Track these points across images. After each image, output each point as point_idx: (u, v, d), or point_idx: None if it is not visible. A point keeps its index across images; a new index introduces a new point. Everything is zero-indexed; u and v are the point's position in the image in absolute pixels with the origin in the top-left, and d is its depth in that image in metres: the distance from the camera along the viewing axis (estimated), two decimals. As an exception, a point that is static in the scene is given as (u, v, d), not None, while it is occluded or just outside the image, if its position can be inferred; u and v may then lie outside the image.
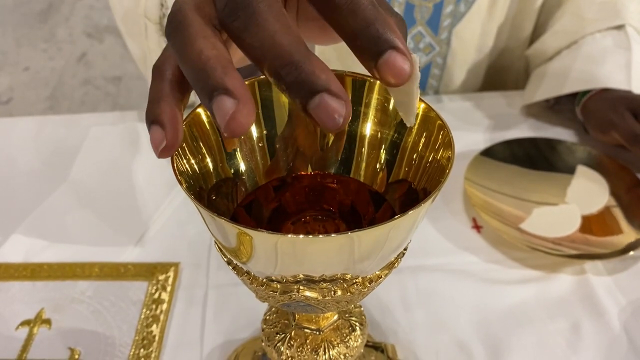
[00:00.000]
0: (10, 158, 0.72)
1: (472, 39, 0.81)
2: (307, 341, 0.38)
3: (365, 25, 0.23)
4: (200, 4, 0.25)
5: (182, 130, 0.25)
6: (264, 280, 0.29)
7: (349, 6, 0.23)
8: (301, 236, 0.24)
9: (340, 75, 0.33)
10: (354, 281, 0.29)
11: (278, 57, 0.22)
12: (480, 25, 0.79)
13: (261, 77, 0.32)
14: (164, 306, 0.53)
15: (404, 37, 0.26)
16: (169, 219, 0.63)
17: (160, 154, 0.25)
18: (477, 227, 0.62)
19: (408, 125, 0.27)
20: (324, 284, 0.28)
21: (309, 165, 0.35)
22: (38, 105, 2.05)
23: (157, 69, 0.26)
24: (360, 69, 0.33)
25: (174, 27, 0.24)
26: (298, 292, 0.28)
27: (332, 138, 0.35)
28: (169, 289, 0.55)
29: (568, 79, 0.72)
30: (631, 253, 0.56)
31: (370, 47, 0.23)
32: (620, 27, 0.73)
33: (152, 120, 0.25)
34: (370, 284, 0.29)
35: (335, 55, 0.80)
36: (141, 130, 0.74)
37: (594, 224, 0.61)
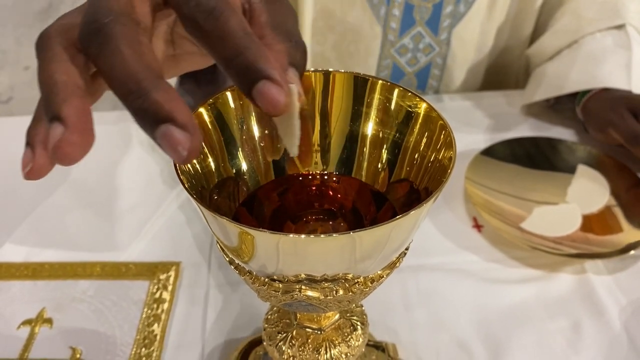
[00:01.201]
0: (10, 157, 0.72)
1: (472, 39, 0.81)
2: (309, 340, 0.38)
3: (235, 54, 0.22)
4: (69, 27, 0.24)
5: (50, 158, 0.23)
6: (266, 280, 0.29)
7: (217, 34, 0.22)
8: (303, 236, 0.24)
9: (341, 75, 0.33)
10: (356, 281, 0.29)
11: (125, 85, 0.21)
12: (480, 26, 0.80)
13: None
14: (165, 305, 0.53)
15: (301, 64, 0.26)
16: (171, 219, 0.63)
17: (26, 175, 0.24)
18: (477, 226, 0.62)
19: (291, 155, 0.27)
20: (326, 284, 0.28)
21: (310, 165, 0.35)
22: (38, 105, 2.05)
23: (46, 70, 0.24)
24: (360, 69, 0.33)
25: (38, 49, 0.24)
26: (300, 291, 0.28)
27: (333, 138, 0.35)
28: (170, 288, 0.55)
29: (568, 78, 0.72)
30: (631, 252, 0.56)
31: (242, 76, 0.23)
32: (620, 27, 0.73)
33: (26, 141, 0.24)
34: (371, 283, 0.30)
35: (334, 56, 0.80)
36: (140, 129, 0.74)
37: (594, 223, 0.61)
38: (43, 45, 0.24)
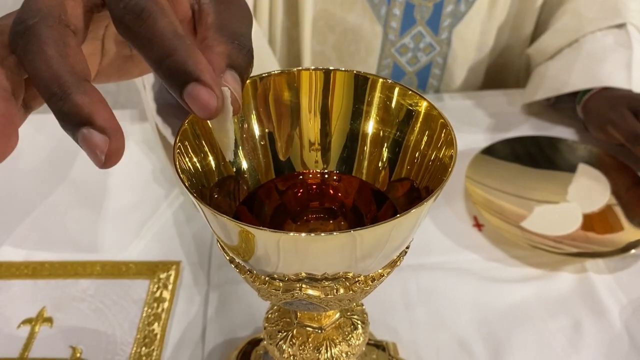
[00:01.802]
0: (11, 157, 0.71)
1: (472, 39, 0.81)
2: (309, 339, 0.38)
3: (164, 56, 0.22)
4: (2, 28, 0.24)
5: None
6: (266, 278, 0.29)
7: (146, 35, 0.22)
8: (303, 234, 0.24)
9: (343, 73, 0.33)
10: (356, 279, 0.29)
11: (48, 87, 0.21)
12: (481, 25, 0.79)
13: (262, 74, 0.32)
14: (166, 305, 0.53)
15: (242, 66, 0.24)
16: (171, 218, 0.63)
17: None
18: (478, 225, 0.62)
19: (227, 159, 0.26)
20: (327, 283, 0.28)
21: (311, 164, 0.35)
22: (38, 104, 2.05)
23: None
24: (360, 69, 0.33)
25: None
26: (300, 290, 0.28)
27: (333, 136, 0.35)
28: (170, 287, 0.55)
29: (569, 77, 0.72)
30: (632, 251, 0.56)
31: (172, 79, 0.22)
32: (621, 26, 0.73)
33: None
34: (372, 282, 0.29)
35: (335, 55, 0.80)
36: (138, 129, 0.74)
37: (595, 222, 0.61)
38: None
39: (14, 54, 0.23)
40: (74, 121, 0.21)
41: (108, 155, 0.21)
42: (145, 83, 0.55)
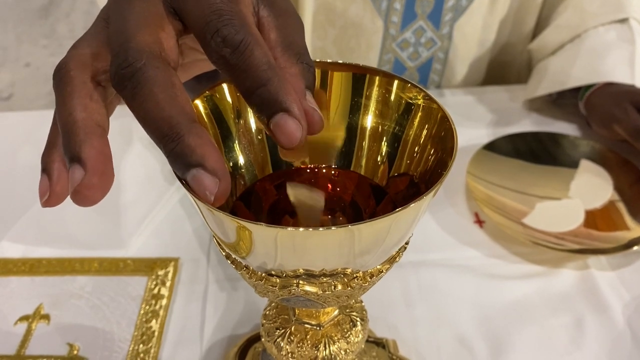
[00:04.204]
0: (10, 153, 0.72)
1: (473, 34, 0.80)
2: (308, 336, 0.38)
3: (257, 86, 0.23)
4: (89, 58, 0.24)
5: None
6: (263, 274, 0.28)
7: (241, 66, 0.23)
8: (301, 229, 0.23)
9: (341, 67, 0.32)
10: (355, 275, 0.28)
11: (160, 129, 0.22)
12: (482, 19, 0.79)
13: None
14: (164, 302, 0.53)
15: (313, 87, 0.26)
16: (169, 214, 0.63)
17: (44, 203, 0.24)
18: (479, 221, 0.62)
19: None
20: (324, 279, 0.28)
21: (309, 158, 0.34)
22: (39, 102, 2.05)
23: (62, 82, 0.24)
24: (361, 63, 0.33)
25: (56, 82, 0.24)
26: (298, 286, 0.28)
27: (331, 130, 0.34)
28: (168, 284, 0.54)
29: (571, 73, 0.72)
30: (635, 248, 0.55)
31: (262, 108, 0.23)
32: (623, 21, 0.72)
33: (42, 168, 0.25)
34: (371, 278, 0.29)
35: (335, 50, 0.79)
36: (140, 125, 0.73)
37: (597, 218, 0.60)
38: (61, 78, 0.24)
39: (120, 94, 0.23)
40: (186, 162, 0.22)
41: (217, 196, 0.22)
42: None
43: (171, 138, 0.22)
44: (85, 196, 0.22)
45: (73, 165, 0.22)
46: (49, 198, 0.24)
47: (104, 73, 0.25)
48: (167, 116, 0.22)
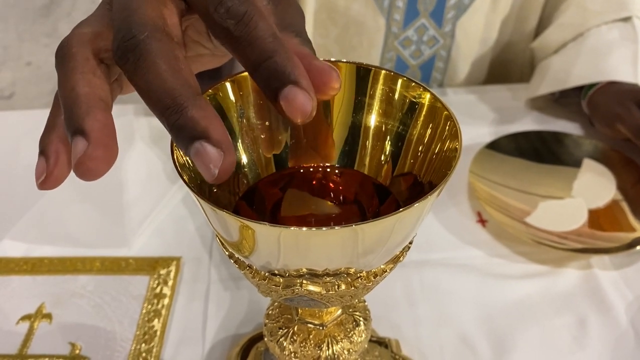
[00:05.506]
0: (11, 152, 0.72)
1: (476, 32, 0.80)
2: (310, 336, 0.37)
3: (264, 59, 0.22)
4: (92, 36, 0.24)
5: (69, 165, 0.23)
6: (266, 274, 0.28)
7: (246, 38, 0.22)
8: (304, 229, 0.23)
9: (345, 65, 0.32)
10: (358, 275, 0.28)
11: (161, 100, 0.21)
12: (485, 18, 0.79)
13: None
14: (166, 301, 0.53)
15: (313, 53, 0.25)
16: (171, 213, 0.63)
17: (40, 185, 0.24)
18: (482, 221, 0.62)
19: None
20: (328, 278, 0.27)
21: (313, 157, 0.34)
22: (40, 100, 2.05)
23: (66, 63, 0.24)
24: (363, 62, 0.33)
25: (58, 60, 0.24)
26: (301, 286, 0.28)
27: (335, 129, 0.34)
28: (170, 283, 0.54)
29: (573, 72, 0.71)
30: (638, 247, 0.55)
31: (269, 81, 0.22)
32: (626, 19, 0.72)
33: (39, 150, 0.24)
34: (374, 278, 0.29)
35: (337, 49, 0.79)
36: (142, 124, 0.73)
37: (600, 218, 0.60)
38: (64, 55, 0.24)
39: (122, 68, 0.22)
40: (189, 135, 0.21)
41: (221, 170, 0.21)
42: None
43: (174, 110, 0.21)
44: (89, 168, 0.21)
45: (76, 137, 0.22)
46: (45, 180, 0.24)
47: (107, 52, 0.24)
48: (170, 88, 0.21)
